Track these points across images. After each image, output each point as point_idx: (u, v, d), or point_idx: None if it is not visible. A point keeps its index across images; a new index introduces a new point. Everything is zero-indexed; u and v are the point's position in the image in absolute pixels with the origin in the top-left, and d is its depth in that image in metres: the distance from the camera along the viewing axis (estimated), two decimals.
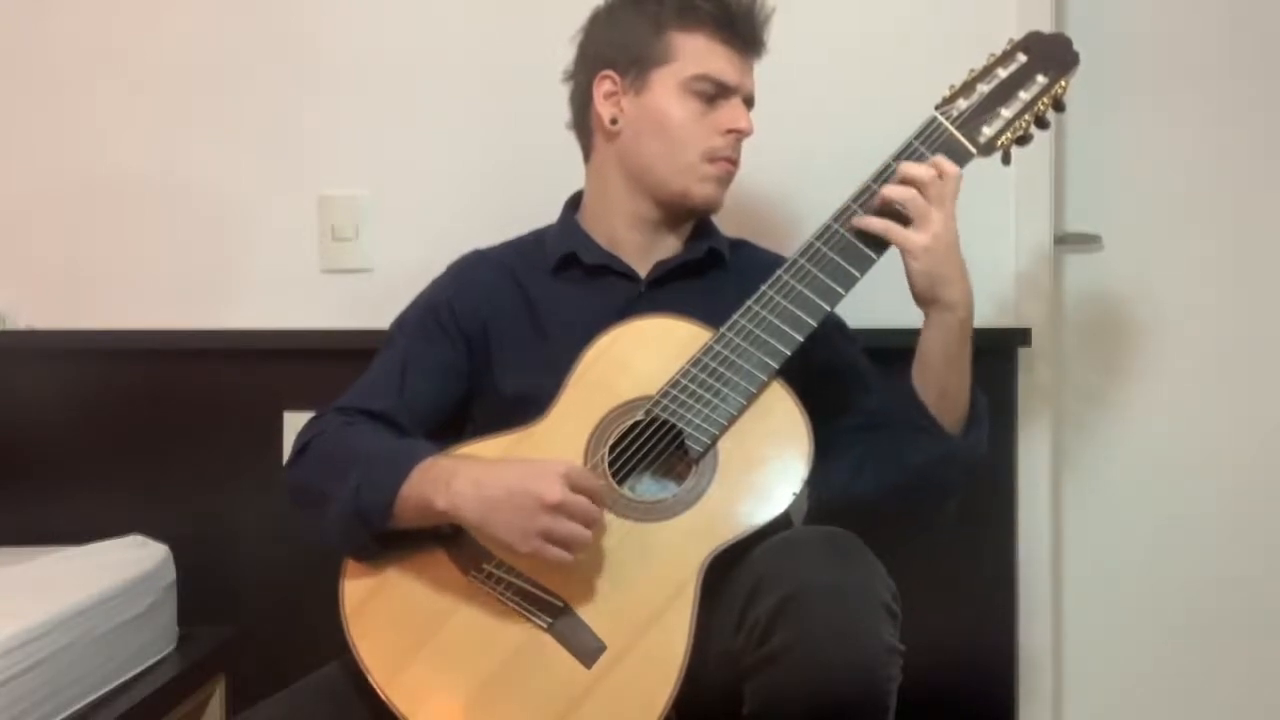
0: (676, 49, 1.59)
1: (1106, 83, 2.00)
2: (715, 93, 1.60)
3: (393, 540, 1.46)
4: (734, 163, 1.63)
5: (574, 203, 1.72)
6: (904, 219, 1.48)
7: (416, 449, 1.47)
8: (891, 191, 1.48)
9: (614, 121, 1.62)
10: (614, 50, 1.62)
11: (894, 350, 1.57)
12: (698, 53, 1.59)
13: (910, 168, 1.49)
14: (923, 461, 1.51)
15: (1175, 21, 2.08)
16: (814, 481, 1.46)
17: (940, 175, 1.48)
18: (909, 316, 1.54)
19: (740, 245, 1.74)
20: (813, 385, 1.51)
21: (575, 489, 1.37)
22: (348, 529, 1.45)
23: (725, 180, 1.63)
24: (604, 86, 1.62)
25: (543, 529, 1.36)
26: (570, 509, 1.36)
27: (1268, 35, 2.07)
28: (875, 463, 1.53)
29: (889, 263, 1.50)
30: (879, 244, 1.50)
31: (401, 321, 1.69)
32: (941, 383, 1.51)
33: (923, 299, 1.50)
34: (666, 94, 1.60)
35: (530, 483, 1.37)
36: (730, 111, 1.60)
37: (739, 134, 1.61)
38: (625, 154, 1.63)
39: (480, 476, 1.40)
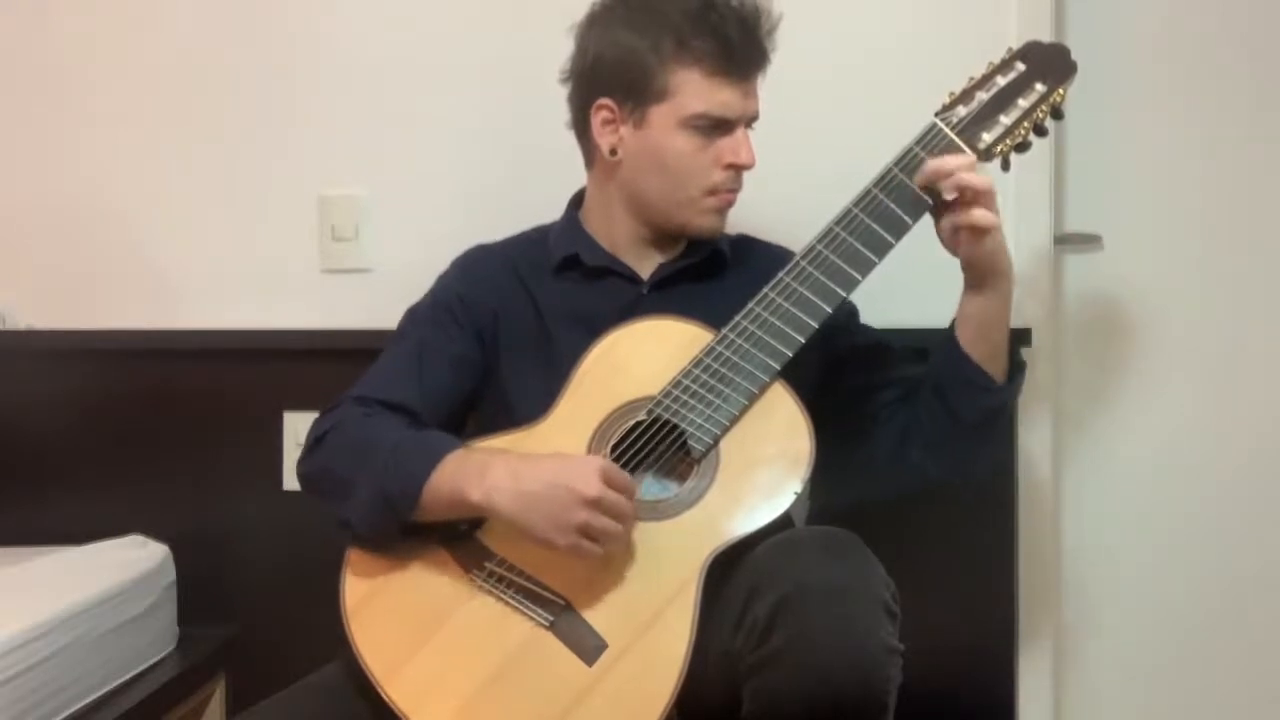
0: (675, 86, 1.55)
1: (1107, 84, 2.00)
2: (715, 126, 1.57)
3: (408, 533, 1.46)
4: (735, 192, 1.62)
5: (578, 201, 1.72)
6: (941, 204, 1.50)
7: (446, 440, 1.47)
8: (973, 180, 1.48)
9: (613, 152, 1.60)
10: (611, 78, 1.58)
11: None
12: (698, 91, 1.55)
13: (970, 177, 1.49)
14: (977, 413, 1.54)
15: (1175, 22, 2.07)
16: (860, 457, 1.52)
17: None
18: (922, 315, 1.55)
19: (743, 242, 1.74)
20: (841, 370, 1.54)
21: (611, 485, 1.38)
22: (374, 516, 1.45)
23: (726, 210, 1.62)
24: (601, 115, 1.60)
25: (580, 523, 1.37)
26: (607, 505, 1.37)
27: (1268, 35, 2.07)
28: (925, 424, 1.56)
29: (892, 264, 1.51)
30: (879, 248, 1.50)
31: (413, 313, 1.68)
32: (993, 341, 1.54)
33: (989, 272, 1.52)
34: (666, 131, 1.57)
35: (568, 477, 1.38)
36: (731, 143, 1.58)
37: (740, 168, 1.59)
38: (625, 184, 1.62)
39: (518, 470, 1.40)
